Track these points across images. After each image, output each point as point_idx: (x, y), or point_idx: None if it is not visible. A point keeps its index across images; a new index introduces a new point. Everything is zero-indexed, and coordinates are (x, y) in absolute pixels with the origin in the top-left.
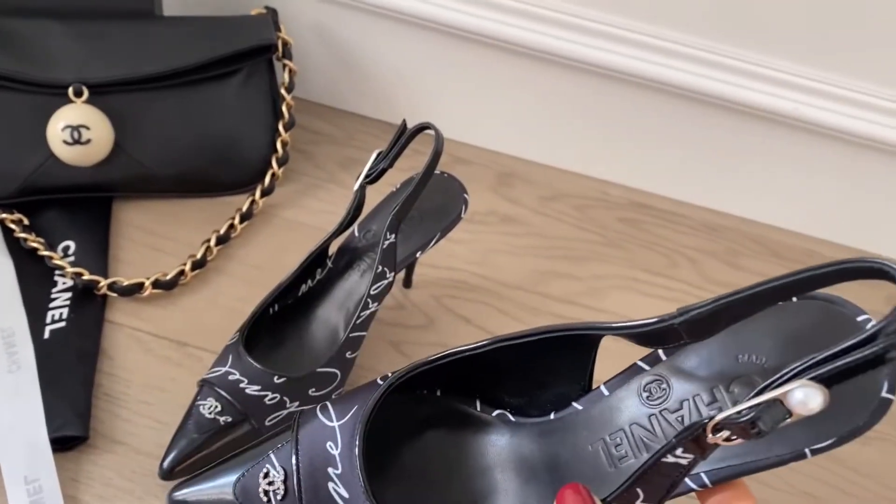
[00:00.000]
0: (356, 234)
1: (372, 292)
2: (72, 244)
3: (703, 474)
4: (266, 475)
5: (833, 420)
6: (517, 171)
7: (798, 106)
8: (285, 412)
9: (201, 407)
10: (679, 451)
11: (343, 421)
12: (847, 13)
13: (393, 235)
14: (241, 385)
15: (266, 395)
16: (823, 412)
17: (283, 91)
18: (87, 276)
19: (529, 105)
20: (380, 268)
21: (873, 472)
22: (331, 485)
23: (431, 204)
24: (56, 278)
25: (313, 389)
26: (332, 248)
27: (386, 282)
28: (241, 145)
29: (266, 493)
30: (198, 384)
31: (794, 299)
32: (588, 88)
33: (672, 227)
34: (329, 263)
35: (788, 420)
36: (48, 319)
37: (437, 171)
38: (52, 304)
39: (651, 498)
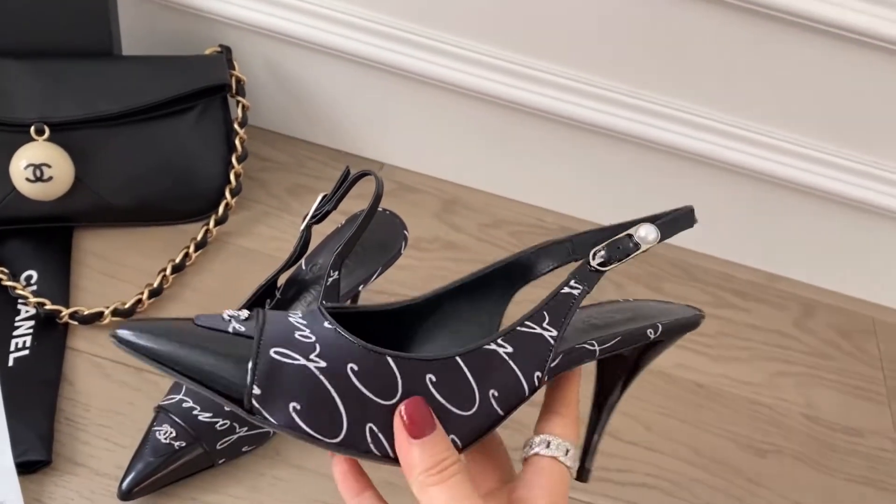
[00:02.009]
0: (303, 267)
1: None
2: (34, 273)
3: (593, 342)
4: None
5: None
6: (461, 198)
7: (714, 147)
8: (235, 437)
9: (157, 432)
10: (573, 283)
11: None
12: (748, 63)
13: (336, 273)
14: (195, 412)
15: (217, 422)
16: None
17: (236, 126)
18: (49, 306)
19: (473, 136)
20: (323, 303)
21: (769, 483)
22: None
23: (374, 239)
24: (19, 307)
25: None
26: (281, 280)
27: None
28: (196, 177)
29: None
30: (154, 410)
31: None
32: (526, 126)
33: None
34: (278, 294)
35: (636, 253)
36: (12, 347)
37: (380, 209)
38: (15, 333)
39: (554, 323)
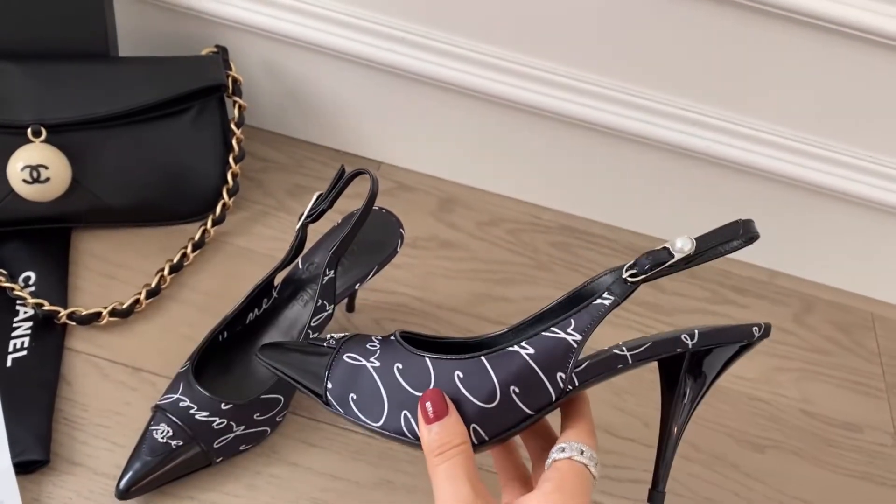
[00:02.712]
0: (300, 266)
1: (312, 324)
2: (32, 275)
3: (623, 347)
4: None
5: None
6: (458, 196)
7: (710, 143)
8: (232, 436)
9: (154, 432)
10: (605, 294)
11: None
12: (745, 60)
13: (332, 271)
14: (191, 411)
15: (214, 421)
16: None
17: (233, 126)
18: (47, 307)
19: (470, 134)
20: (320, 301)
21: (766, 477)
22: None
23: (370, 238)
24: (17, 308)
25: (258, 414)
26: (278, 279)
27: (326, 314)
28: (193, 177)
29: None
30: (151, 409)
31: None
32: (523, 124)
33: (598, 250)
34: (274, 293)
35: (668, 262)
36: (10, 348)
37: (375, 207)
38: (14, 334)
39: (579, 328)
